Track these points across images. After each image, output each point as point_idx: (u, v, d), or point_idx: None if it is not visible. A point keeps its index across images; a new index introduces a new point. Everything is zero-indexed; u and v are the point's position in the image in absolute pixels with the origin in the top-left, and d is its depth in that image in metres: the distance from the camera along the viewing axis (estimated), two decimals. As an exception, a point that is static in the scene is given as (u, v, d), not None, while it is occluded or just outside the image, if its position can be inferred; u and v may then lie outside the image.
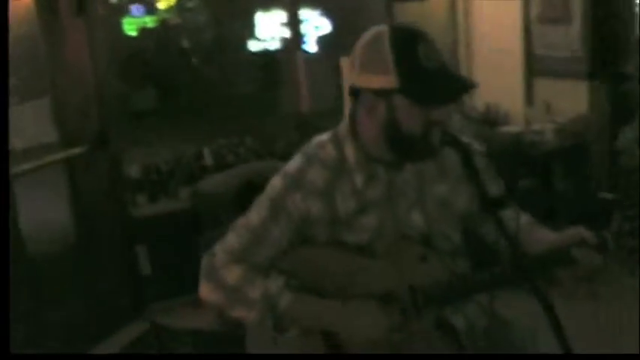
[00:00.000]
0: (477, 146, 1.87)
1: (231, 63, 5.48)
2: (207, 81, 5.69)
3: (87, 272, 3.90)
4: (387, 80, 1.65)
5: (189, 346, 3.66)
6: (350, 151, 1.79)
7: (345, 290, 1.78)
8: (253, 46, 4.80)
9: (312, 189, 1.77)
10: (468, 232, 1.93)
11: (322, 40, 5.10)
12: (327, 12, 5.14)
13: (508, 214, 1.74)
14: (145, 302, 4.27)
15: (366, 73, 1.69)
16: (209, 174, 4.59)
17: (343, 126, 1.83)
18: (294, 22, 4.83)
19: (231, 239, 1.82)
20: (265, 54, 4.93)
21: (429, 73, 1.64)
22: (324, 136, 1.86)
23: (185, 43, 5.69)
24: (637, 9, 4.64)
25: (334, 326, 1.76)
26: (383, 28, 1.70)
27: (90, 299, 3.92)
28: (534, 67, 4.99)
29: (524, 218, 1.88)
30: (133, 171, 4.50)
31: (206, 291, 1.82)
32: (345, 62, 4.04)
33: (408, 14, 5.20)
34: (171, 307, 4.26)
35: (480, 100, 5.41)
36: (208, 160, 4.63)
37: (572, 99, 4.71)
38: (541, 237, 1.82)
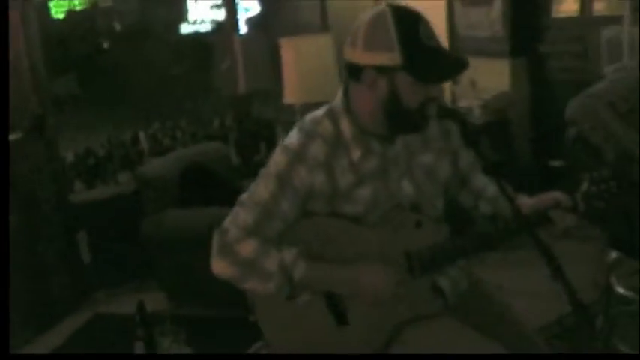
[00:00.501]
0: (470, 118, 1.99)
1: (163, 46, 5.44)
2: (138, 64, 5.61)
3: (26, 261, 3.82)
4: (391, 57, 1.74)
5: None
6: (346, 126, 1.87)
7: (347, 258, 1.87)
8: (185, 28, 4.76)
9: (314, 163, 1.84)
10: (449, 198, 2.06)
11: (252, 22, 5.12)
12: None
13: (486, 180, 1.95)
14: (87, 291, 4.23)
15: (370, 50, 1.76)
16: (146, 158, 4.58)
17: (337, 102, 1.91)
18: (229, 5, 4.84)
19: (242, 215, 1.87)
20: (198, 36, 4.91)
21: (429, 51, 1.74)
22: (318, 112, 1.93)
23: (116, 26, 5.59)
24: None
25: (346, 288, 1.86)
26: (385, 9, 1.77)
27: (30, 289, 3.85)
28: (459, 46, 5.19)
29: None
30: (69, 157, 4.43)
31: (220, 266, 1.86)
32: (284, 42, 4.08)
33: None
34: (114, 295, 4.24)
35: None
36: (144, 144, 4.60)
37: (495, 77, 4.93)
38: (519, 202, 1.95)
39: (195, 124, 4.83)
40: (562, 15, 4.80)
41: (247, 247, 1.83)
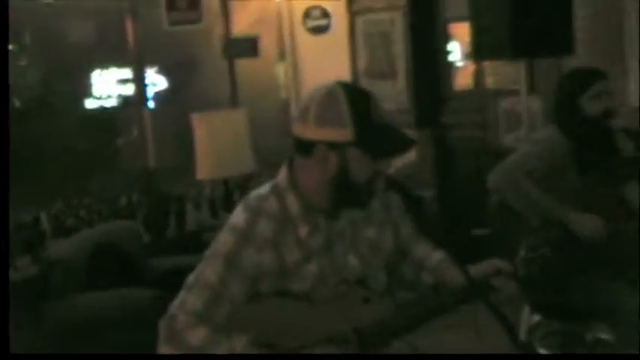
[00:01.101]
0: (415, 192, 2.04)
1: (67, 121, 5.28)
2: (39, 141, 5.39)
3: None
4: (343, 133, 1.77)
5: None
6: (292, 202, 1.86)
7: (299, 339, 1.83)
8: (90, 104, 4.65)
9: (263, 242, 1.82)
10: (391, 271, 2.06)
11: (160, 96, 5.08)
12: (164, 69, 5.14)
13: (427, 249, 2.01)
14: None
15: (323, 126, 1.78)
16: (48, 240, 4.36)
17: (282, 178, 1.90)
18: (138, 79, 4.78)
19: (190, 299, 1.81)
20: (104, 111, 4.81)
21: (379, 128, 1.79)
22: (263, 190, 1.91)
23: (16, 103, 5.38)
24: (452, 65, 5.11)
25: None
26: (337, 87, 1.80)
27: None
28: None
29: (440, 255, 2.05)
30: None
31: (168, 353, 1.81)
32: (196, 117, 4.04)
33: (243, 72, 5.32)
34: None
35: None
36: (46, 225, 4.39)
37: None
38: (458, 271, 1.94)
39: (101, 202, 4.66)
40: (461, 88, 5.05)
41: (197, 335, 1.78)
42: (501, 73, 4.80)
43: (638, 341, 2.56)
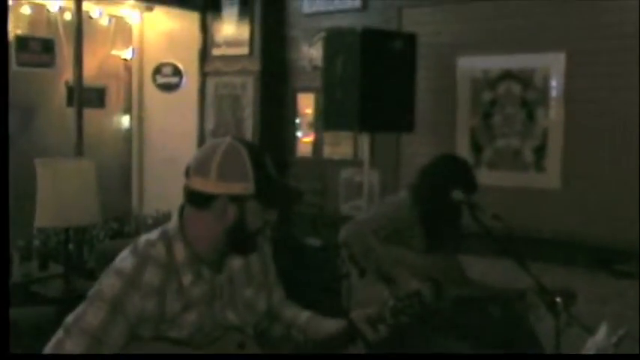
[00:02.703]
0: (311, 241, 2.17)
1: None
2: None
3: None
4: (246, 187, 1.87)
5: None
6: (179, 251, 1.92)
7: None
8: None
9: (149, 289, 1.86)
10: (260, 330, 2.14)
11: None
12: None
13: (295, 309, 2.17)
14: None
15: (226, 181, 1.86)
16: None
17: (172, 225, 1.94)
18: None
19: (69, 344, 1.82)
20: None
21: (273, 181, 1.91)
22: (152, 235, 1.95)
23: None
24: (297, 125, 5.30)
25: None
26: (235, 142, 1.91)
27: None
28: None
29: (307, 313, 2.17)
30: None
31: None
32: (41, 163, 3.89)
33: (89, 122, 5.19)
34: None
35: (150, 207, 5.58)
36: None
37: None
38: (325, 323, 2.11)
39: None
40: (302, 155, 5.23)
41: None
42: (341, 144, 5.04)
43: None
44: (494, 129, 4.32)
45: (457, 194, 3.03)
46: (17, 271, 4.38)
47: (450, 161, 3.25)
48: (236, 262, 2.04)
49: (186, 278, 1.92)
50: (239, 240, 1.93)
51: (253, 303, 2.08)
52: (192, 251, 1.93)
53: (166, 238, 1.94)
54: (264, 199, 1.89)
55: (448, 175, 3.13)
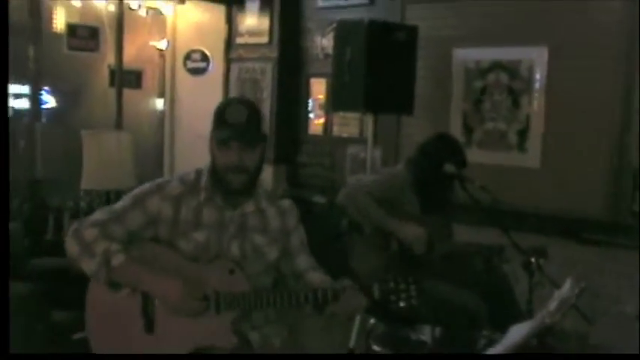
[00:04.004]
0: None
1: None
2: None
3: None
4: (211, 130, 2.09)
5: None
6: (205, 178, 2.12)
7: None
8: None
9: (168, 196, 2.09)
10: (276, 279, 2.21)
11: (49, 113, 4.91)
12: (57, 90, 4.99)
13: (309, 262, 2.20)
14: None
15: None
16: None
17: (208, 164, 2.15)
18: (35, 96, 4.63)
19: (97, 214, 2.11)
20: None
21: (227, 124, 2.03)
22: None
23: None
24: (310, 112, 5.34)
25: (148, 290, 2.03)
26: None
27: None
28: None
29: (319, 275, 2.21)
30: None
31: (68, 243, 2.06)
32: (86, 134, 3.98)
33: (127, 101, 5.26)
34: None
35: None
36: None
37: (263, 175, 5.18)
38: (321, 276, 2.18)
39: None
40: (314, 134, 5.27)
41: (89, 234, 2.04)
42: (348, 124, 5.07)
43: None
44: (483, 113, 4.34)
45: (449, 167, 3.07)
46: (67, 228, 4.45)
47: (444, 139, 3.30)
48: (249, 207, 2.12)
49: (202, 195, 2.09)
50: (214, 174, 2.09)
51: (261, 251, 2.14)
52: (213, 179, 2.09)
53: (200, 171, 2.14)
54: (215, 138, 2.05)
55: (441, 150, 3.18)
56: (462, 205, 3.28)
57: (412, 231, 3.06)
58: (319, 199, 4.66)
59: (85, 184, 4.02)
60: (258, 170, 2.10)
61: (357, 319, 3.32)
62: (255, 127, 2.05)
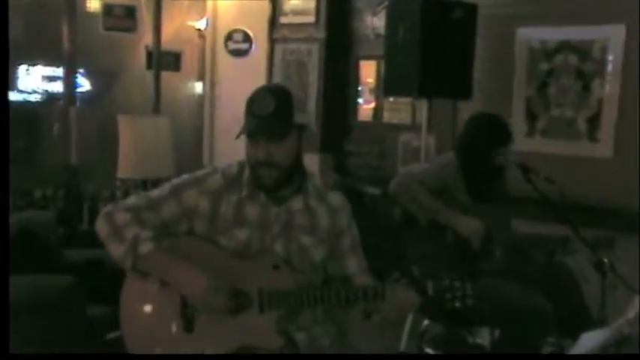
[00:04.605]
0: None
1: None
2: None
3: None
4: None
5: None
6: (247, 172, 2.12)
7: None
8: (14, 96, 4.50)
9: (206, 189, 2.11)
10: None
11: (84, 97, 4.99)
12: (91, 72, 5.06)
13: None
14: None
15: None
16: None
17: None
18: (70, 78, 4.69)
19: (132, 199, 2.17)
20: (27, 106, 4.66)
21: (253, 116, 2.04)
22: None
23: None
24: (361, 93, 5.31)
25: (173, 281, 2.04)
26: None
27: None
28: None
29: (368, 279, 2.20)
30: None
31: (99, 224, 2.10)
32: (122, 119, 4.02)
33: (164, 84, 5.31)
34: None
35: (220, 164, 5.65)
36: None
37: (309, 164, 5.16)
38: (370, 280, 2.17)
39: (15, 193, 4.51)
40: (363, 120, 5.22)
41: (121, 217, 2.07)
42: (400, 109, 5.01)
43: None
44: (549, 98, 4.23)
45: (497, 151, 3.05)
46: None
47: (480, 119, 3.25)
48: (296, 204, 2.11)
49: (244, 191, 2.09)
50: (250, 168, 2.10)
51: (307, 252, 2.12)
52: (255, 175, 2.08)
53: (243, 164, 2.14)
54: (244, 130, 2.05)
55: (479, 132, 3.16)
56: (524, 198, 3.22)
57: (469, 224, 3.05)
58: (373, 190, 4.62)
59: (122, 172, 4.07)
60: (292, 165, 2.07)
61: (409, 320, 3.31)
62: (284, 117, 2.03)
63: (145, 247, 2.02)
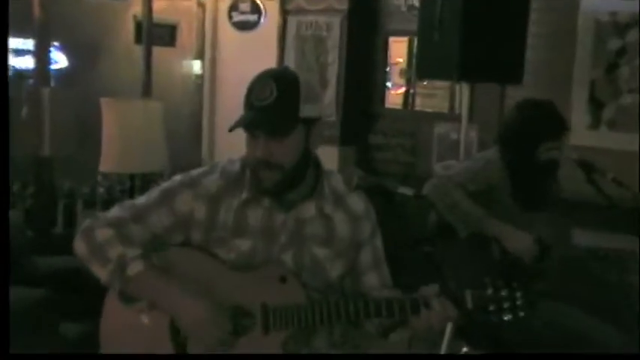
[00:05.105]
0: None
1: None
2: None
3: None
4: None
5: None
6: (249, 172, 2.10)
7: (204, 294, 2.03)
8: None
9: (203, 192, 2.10)
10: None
11: (60, 75, 4.99)
12: (69, 46, 5.06)
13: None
14: None
15: None
16: None
17: None
18: (42, 53, 4.68)
19: (115, 210, 2.15)
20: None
21: (252, 107, 2.01)
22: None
23: None
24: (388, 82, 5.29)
25: (167, 307, 2.04)
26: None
27: None
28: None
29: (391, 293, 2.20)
30: None
31: (77, 244, 2.11)
32: (106, 103, 4.01)
33: (156, 62, 5.32)
34: None
35: (222, 157, 5.65)
36: None
37: (327, 159, 5.16)
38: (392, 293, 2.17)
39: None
40: (392, 107, 5.21)
41: (103, 234, 2.07)
42: (436, 95, 5.01)
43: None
44: (619, 83, 4.22)
45: (545, 146, 3.03)
46: (80, 219, 4.55)
47: (528, 106, 3.22)
48: (308, 209, 2.10)
49: (245, 194, 2.08)
50: (249, 166, 2.09)
51: (322, 267, 2.11)
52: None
53: (244, 161, 2.12)
54: (240, 122, 2.02)
55: (527, 121, 3.13)
56: (586, 203, 3.19)
57: (520, 238, 3.04)
58: (404, 190, 4.61)
59: (104, 165, 4.03)
60: (299, 165, 2.04)
61: (445, 342, 3.30)
62: (288, 109, 1.99)
63: (134, 268, 2.02)
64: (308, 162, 2.07)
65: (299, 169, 2.04)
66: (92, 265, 2.07)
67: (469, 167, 3.27)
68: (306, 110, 2.01)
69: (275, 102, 1.96)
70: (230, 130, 2.02)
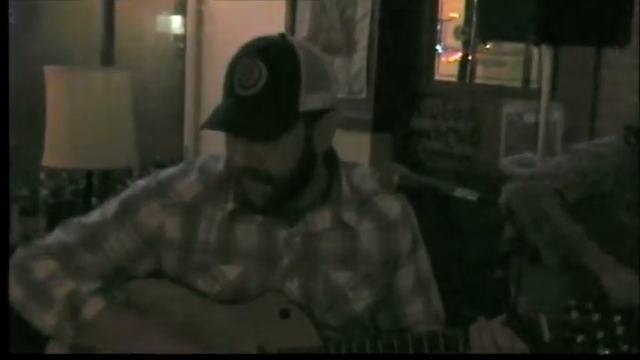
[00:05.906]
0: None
1: None
2: None
3: None
4: None
5: None
6: (233, 179, 2.09)
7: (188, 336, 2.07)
8: None
9: (176, 200, 2.11)
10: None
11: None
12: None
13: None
14: None
15: None
16: None
17: None
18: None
19: (57, 234, 2.16)
20: None
21: (231, 95, 1.98)
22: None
23: None
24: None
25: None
26: None
27: None
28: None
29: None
30: None
31: (11, 285, 2.12)
32: (52, 72, 3.98)
33: (124, 18, 5.28)
34: None
35: (210, 148, 5.69)
36: None
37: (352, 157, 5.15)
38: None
39: None
40: (443, 79, 5.23)
41: (44, 267, 2.08)
42: (505, 63, 5.01)
43: None
44: None
45: None
46: (15, 231, 4.61)
47: None
48: (321, 219, 2.09)
49: (229, 205, 2.08)
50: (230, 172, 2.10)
51: (343, 295, 2.11)
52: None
53: None
54: None
55: None
56: None
57: (628, 283, 3.01)
58: (463, 192, 4.58)
59: (50, 158, 4.01)
60: (297, 173, 2.02)
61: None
62: (282, 100, 1.96)
63: (92, 307, 2.04)
64: (311, 165, 2.05)
65: (297, 177, 2.03)
66: (32, 313, 2.07)
67: (569, 165, 3.22)
68: (310, 101, 1.96)
69: (263, 90, 1.92)
70: (201, 129, 2.05)
